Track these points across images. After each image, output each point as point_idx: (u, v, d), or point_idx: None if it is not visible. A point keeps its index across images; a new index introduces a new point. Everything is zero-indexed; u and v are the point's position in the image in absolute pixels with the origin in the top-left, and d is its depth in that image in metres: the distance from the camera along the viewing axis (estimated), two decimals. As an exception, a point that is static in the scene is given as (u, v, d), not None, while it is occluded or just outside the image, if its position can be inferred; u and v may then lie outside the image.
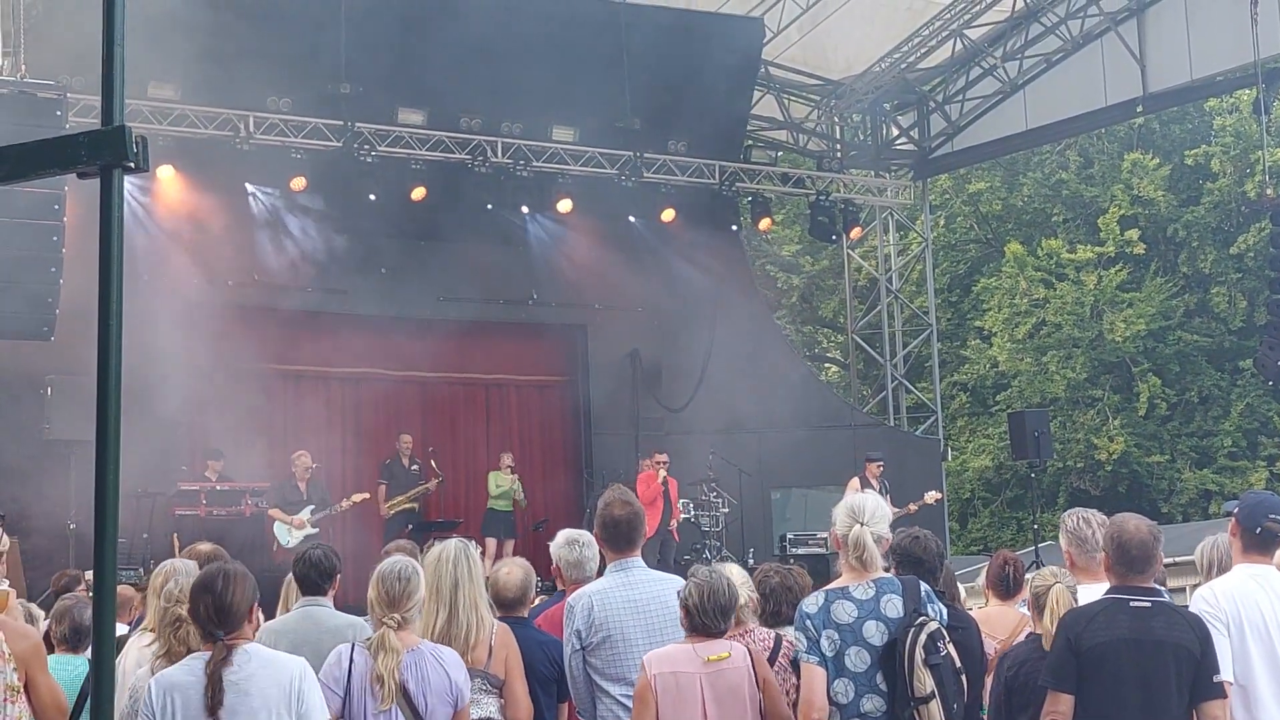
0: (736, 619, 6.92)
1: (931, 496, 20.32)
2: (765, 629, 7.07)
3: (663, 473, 19.75)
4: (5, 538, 5.56)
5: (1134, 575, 5.99)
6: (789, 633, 7.12)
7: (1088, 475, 33.16)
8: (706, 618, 6.25)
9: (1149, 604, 5.92)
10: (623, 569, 6.92)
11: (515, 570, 7.54)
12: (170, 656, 5.86)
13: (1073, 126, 26.22)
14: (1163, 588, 6.69)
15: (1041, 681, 6.02)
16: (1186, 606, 6.22)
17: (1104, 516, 6.65)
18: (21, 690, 5.39)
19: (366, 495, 19.23)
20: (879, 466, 19.70)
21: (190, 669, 5.45)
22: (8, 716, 5.38)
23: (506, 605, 7.30)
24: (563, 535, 7.97)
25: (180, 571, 6.15)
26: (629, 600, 6.78)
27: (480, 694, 6.51)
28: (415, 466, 20.38)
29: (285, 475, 18.99)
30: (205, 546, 8.07)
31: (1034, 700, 6.11)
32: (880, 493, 18.77)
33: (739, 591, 7.05)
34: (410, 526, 19.53)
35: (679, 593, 6.41)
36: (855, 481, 18.85)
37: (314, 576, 7.16)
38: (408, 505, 20.00)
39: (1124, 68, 23.75)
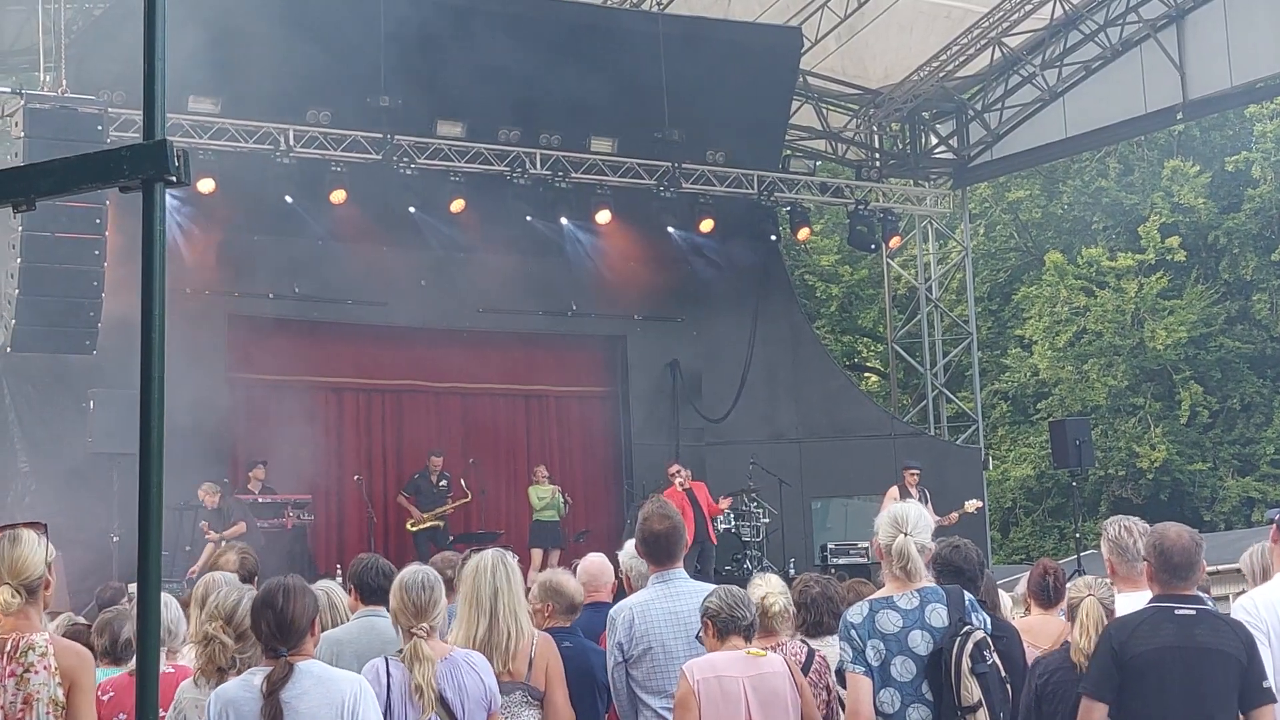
0: (770, 629, 6.90)
1: (972, 505, 20.09)
2: (798, 642, 7.04)
3: (679, 480, 19.28)
4: (51, 547, 5.55)
5: (1177, 583, 5.95)
6: (825, 645, 7.10)
7: (1129, 483, 32.92)
8: (726, 615, 6.32)
9: (1193, 611, 5.88)
10: (664, 580, 6.90)
11: (571, 580, 7.53)
12: (205, 673, 5.84)
13: (1112, 134, 26.06)
14: (1207, 595, 6.65)
15: (1080, 689, 5.96)
16: (1229, 614, 6.17)
17: (1145, 525, 6.60)
18: (64, 705, 5.38)
19: (242, 527, 17.59)
20: (916, 474, 19.55)
21: (247, 684, 5.40)
22: None
23: (572, 610, 7.31)
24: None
25: (220, 585, 6.12)
26: (670, 612, 6.75)
27: (521, 706, 6.40)
28: (443, 483, 20.38)
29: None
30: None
31: (1063, 708, 6.08)
32: (920, 501, 18.78)
33: (777, 600, 7.03)
34: (451, 539, 19.54)
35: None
36: (894, 490, 18.77)
37: (385, 584, 7.18)
38: (433, 523, 19.99)
39: (1163, 75, 23.63)
